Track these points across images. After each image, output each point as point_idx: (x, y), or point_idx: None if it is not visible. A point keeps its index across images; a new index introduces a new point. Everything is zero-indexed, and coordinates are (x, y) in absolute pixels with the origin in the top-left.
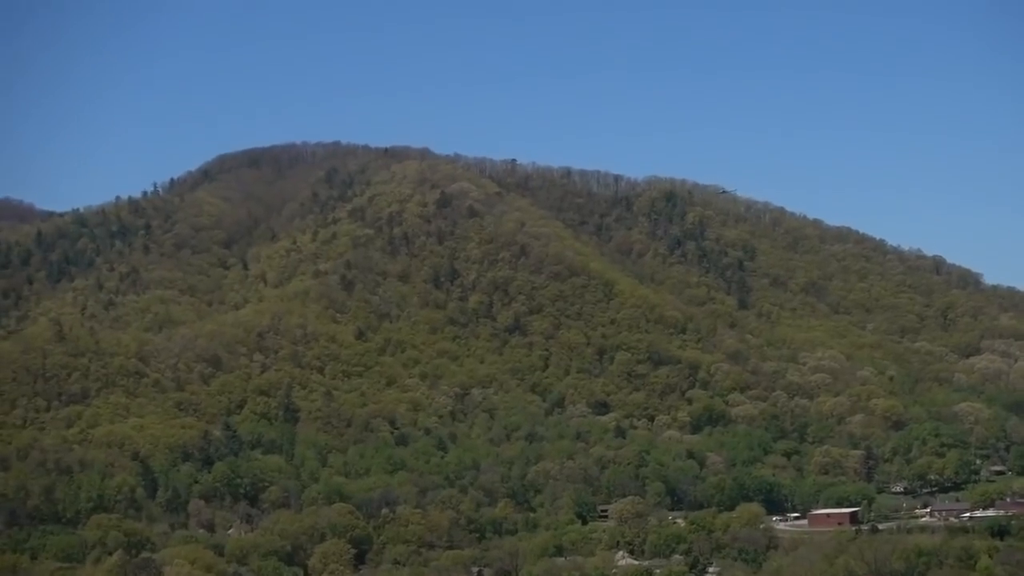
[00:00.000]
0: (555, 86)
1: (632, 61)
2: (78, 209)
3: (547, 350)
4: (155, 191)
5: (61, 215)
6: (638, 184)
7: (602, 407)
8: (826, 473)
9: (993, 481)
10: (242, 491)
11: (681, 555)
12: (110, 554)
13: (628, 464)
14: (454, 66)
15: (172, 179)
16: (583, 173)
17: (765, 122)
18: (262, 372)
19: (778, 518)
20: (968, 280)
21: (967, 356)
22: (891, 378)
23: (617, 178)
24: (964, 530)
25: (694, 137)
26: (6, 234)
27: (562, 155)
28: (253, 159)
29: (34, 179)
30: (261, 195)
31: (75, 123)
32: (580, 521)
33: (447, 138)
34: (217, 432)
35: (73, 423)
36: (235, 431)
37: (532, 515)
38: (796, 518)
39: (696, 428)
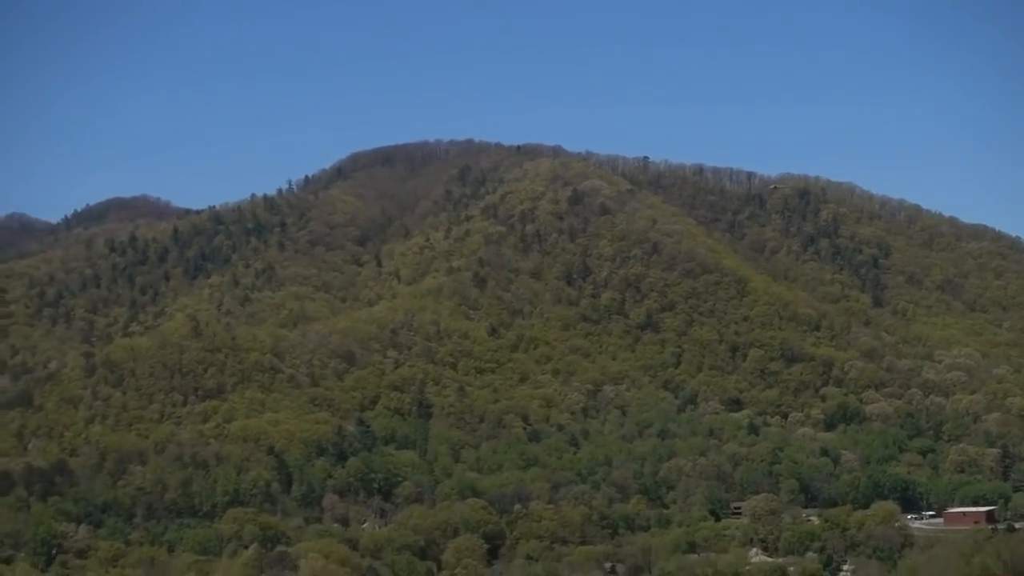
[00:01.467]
0: (687, 84)
1: (766, 60)
2: (214, 206)
3: (679, 347)
4: (290, 189)
5: (198, 212)
6: (771, 181)
7: (735, 404)
8: (962, 471)
9: None
10: (376, 486)
11: (815, 553)
12: (246, 547)
13: (761, 461)
14: (587, 64)
15: (307, 177)
16: (715, 170)
17: (899, 120)
18: (395, 368)
19: (913, 516)
20: None
21: None
22: None
23: (750, 175)
24: None
25: (827, 134)
26: (144, 231)
27: (695, 152)
28: (386, 157)
29: (171, 177)
30: (394, 193)
31: (212, 122)
32: (713, 518)
33: (579, 136)
34: (351, 427)
35: (209, 418)
36: (369, 426)
37: (665, 511)
38: (931, 516)
39: (830, 425)
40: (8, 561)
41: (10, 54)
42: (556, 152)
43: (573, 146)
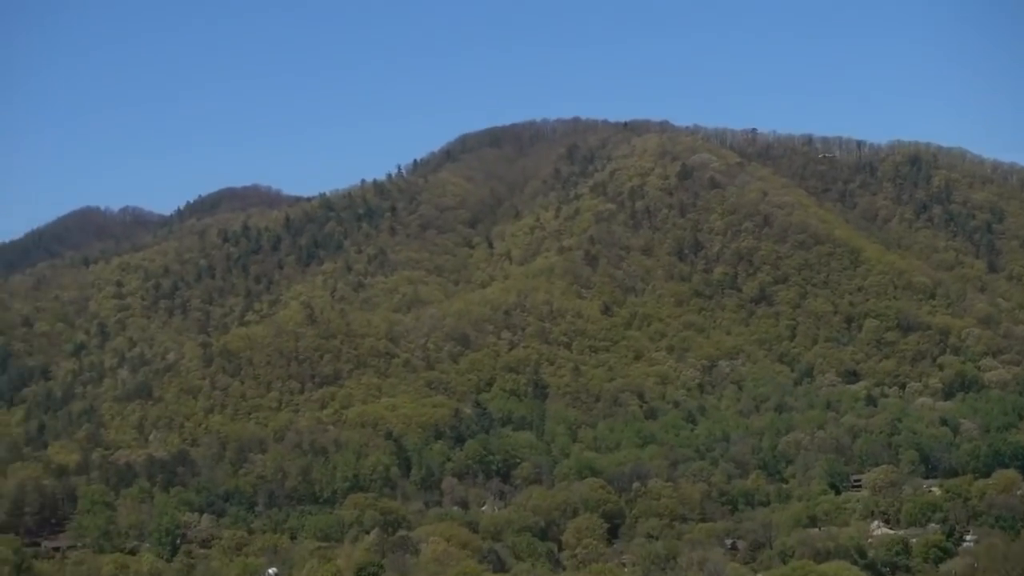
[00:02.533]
0: (793, 53)
1: (870, 26)
2: (325, 193)
3: (794, 320)
4: (399, 173)
5: (309, 200)
6: (881, 149)
7: (852, 376)
8: None
9: None
10: (494, 468)
11: (937, 524)
12: (367, 532)
13: (880, 433)
14: (692, 37)
15: (415, 160)
16: (825, 140)
17: (1011, 83)
18: (510, 349)
19: None
20: None
21: None
22: None
23: (860, 144)
24: None
25: (936, 100)
26: (256, 220)
27: (803, 122)
28: (495, 138)
29: (281, 165)
30: (503, 173)
31: (321, 110)
32: (833, 491)
33: (686, 110)
34: (468, 410)
35: (327, 404)
36: (485, 408)
37: (784, 486)
38: None
39: (948, 395)
40: (133, 552)
41: (131, 52)
42: (663, 127)
43: (680, 120)
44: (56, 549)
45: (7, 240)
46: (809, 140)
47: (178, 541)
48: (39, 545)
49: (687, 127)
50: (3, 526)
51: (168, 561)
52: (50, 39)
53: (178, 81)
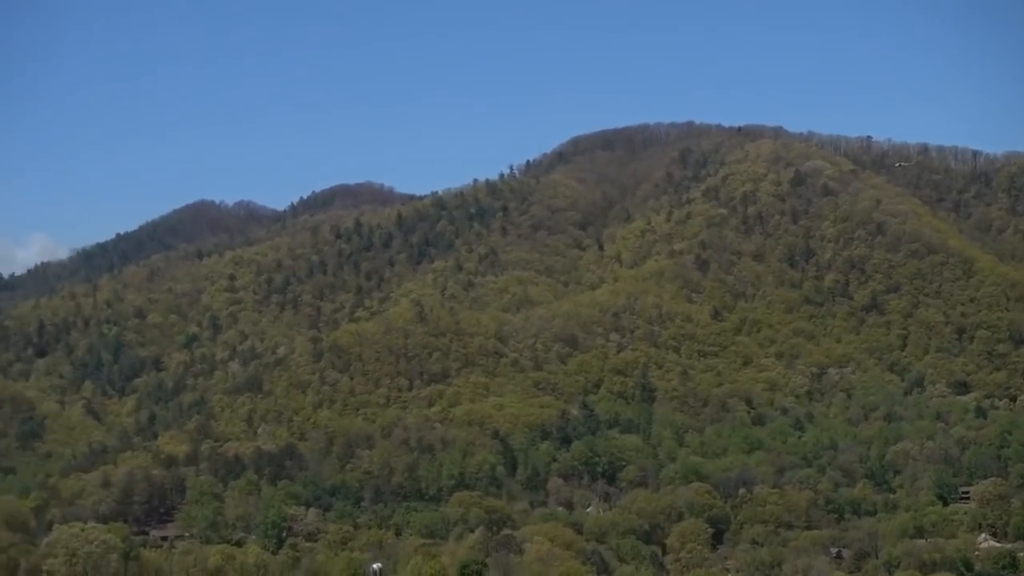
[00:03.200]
0: (909, 61)
1: (990, 36)
2: (437, 192)
3: (905, 329)
4: (512, 173)
5: (421, 198)
6: (997, 159)
7: (962, 387)
8: None
9: None
10: (600, 470)
11: None
12: (472, 531)
13: (989, 445)
14: (807, 44)
15: (528, 161)
16: (940, 149)
17: None
18: (618, 352)
19: None
20: None
21: None
22: None
23: (975, 154)
24: None
25: None
26: (368, 217)
27: (919, 132)
28: (607, 140)
29: (395, 163)
30: (615, 176)
31: (434, 108)
32: (940, 502)
33: (801, 116)
34: (575, 411)
35: (434, 402)
36: (592, 410)
37: (891, 496)
38: None
39: None
40: (240, 544)
41: (247, 49)
42: (777, 133)
43: (794, 127)
44: (164, 538)
45: (122, 232)
46: (924, 149)
47: (284, 534)
48: (147, 534)
49: (801, 133)
50: (113, 514)
51: (274, 553)
52: (168, 35)
53: (295, 78)
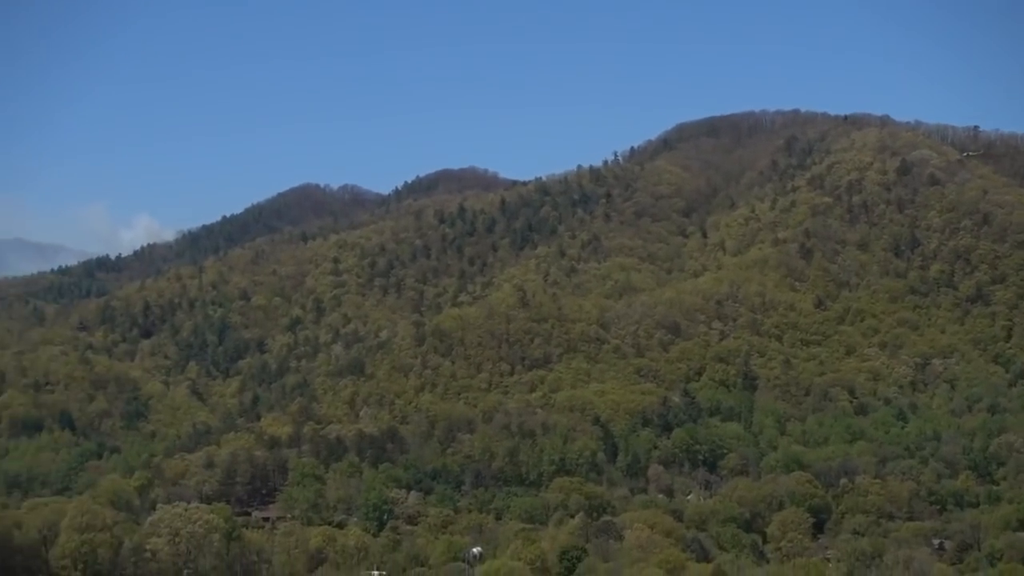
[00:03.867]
0: (1018, 50)
1: None
2: (541, 178)
3: (1010, 320)
4: (615, 160)
5: (524, 183)
6: None
7: None
8: None
9: None
10: (700, 457)
11: None
12: (572, 516)
13: None
14: (912, 32)
15: (632, 148)
16: None
17: None
18: (720, 340)
19: None
20: None
21: None
22: None
23: None
24: None
25: None
26: (472, 202)
27: None
28: (712, 127)
29: (499, 148)
30: (720, 163)
31: (539, 94)
32: None
33: (907, 105)
34: (676, 398)
35: (536, 387)
36: (693, 397)
37: (994, 488)
38: None
39: None
40: (340, 525)
41: (355, 36)
42: (884, 122)
43: (901, 115)
44: (266, 519)
45: (228, 215)
46: None
47: (385, 517)
48: (249, 515)
49: (907, 122)
50: (215, 495)
51: (374, 536)
52: (276, 22)
53: (401, 64)
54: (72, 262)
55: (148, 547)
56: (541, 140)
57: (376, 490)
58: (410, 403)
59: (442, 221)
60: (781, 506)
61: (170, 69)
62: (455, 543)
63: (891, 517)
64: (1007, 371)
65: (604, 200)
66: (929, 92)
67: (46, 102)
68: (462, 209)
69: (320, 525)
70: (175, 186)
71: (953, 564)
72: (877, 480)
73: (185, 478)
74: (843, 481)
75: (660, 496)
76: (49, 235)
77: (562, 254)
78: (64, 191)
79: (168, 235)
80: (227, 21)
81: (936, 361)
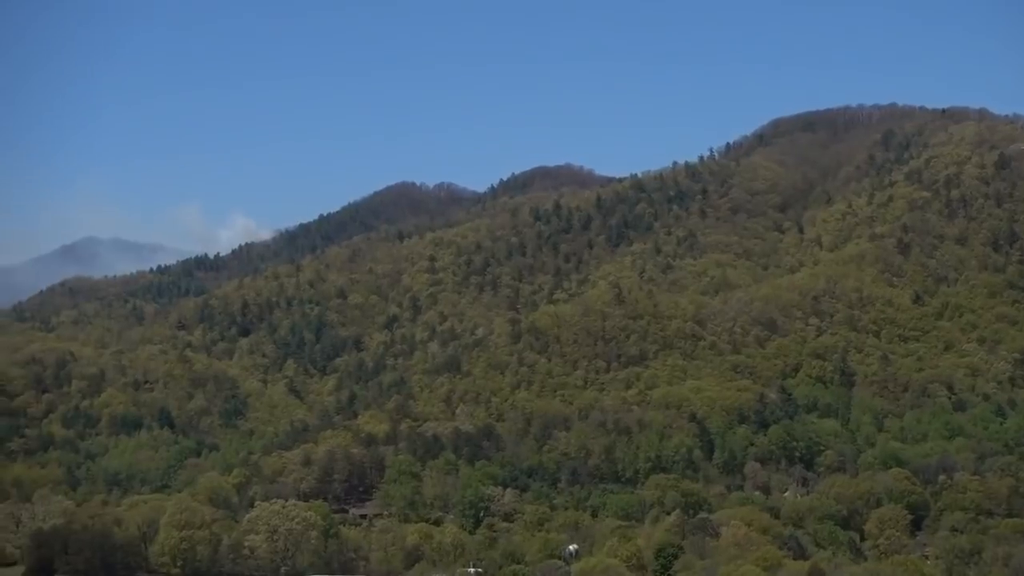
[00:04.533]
0: None
1: None
2: (636, 174)
3: None
4: (711, 156)
5: (620, 180)
6: None
7: None
8: None
9: None
10: (797, 454)
11: None
12: (668, 513)
13: None
14: (1009, 24)
15: (728, 144)
16: None
17: None
18: (817, 336)
19: None
20: None
21: None
22: None
23: None
24: None
25: None
26: (567, 199)
27: None
28: (808, 123)
29: (594, 145)
30: (816, 158)
31: (635, 91)
32: None
33: (1006, 98)
34: (772, 395)
35: (632, 384)
36: (790, 394)
37: None
38: None
39: None
40: (437, 523)
41: (451, 33)
42: (982, 115)
43: (1000, 108)
44: (363, 516)
45: (325, 213)
46: None
47: (481, 514)
48: (347, 512)
49: (1006, 116)
50: (313, 492)
51: (471, 533)
52: (374, 23)
53: (496, 62)
54: (170, 261)
55: (246, 544)
56: (637, 137)
57: (472, 487)
58: (506, 400)
59: (537, 218)
60: (879, 503)
61: (263, 69)
62: (551, 540)
63: (990, 514)
64: None
65: (700, 196)
66: None
67: (141, 102)
68: (557, 206)
69: (417, 522)
70: (270, 186)
71: None
72: (976, 477)
73: (283, 476)
74: (941, 478)
75: (757, 493)
76: (147, 235)
77: (658, 251)
78: (160, 191)
79: (264, 234)
80: (322, 19)
81: None
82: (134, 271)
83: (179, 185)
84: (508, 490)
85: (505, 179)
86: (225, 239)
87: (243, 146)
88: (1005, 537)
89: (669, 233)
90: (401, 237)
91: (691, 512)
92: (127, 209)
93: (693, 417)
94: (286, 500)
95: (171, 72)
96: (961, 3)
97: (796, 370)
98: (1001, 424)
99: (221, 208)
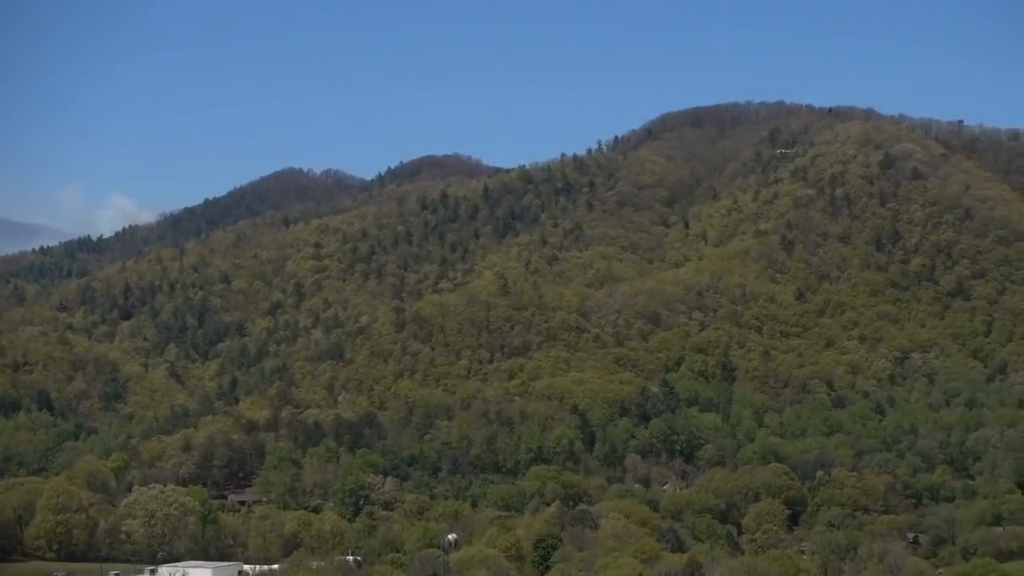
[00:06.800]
0: (1002, 45)
1: None
2: (524, 166)
3: (990, 315)
4: (599, 149)
5: (508, 171)
6: None
7: None
8: None
9: None
10: (678, 448)
11: None
12: (548, 504)
13: None
14: (899, 25)
15: (616, 137)
16: None
17: None
18: (700, 330)
19: None
20: None
21: None
22: None
23: None
24: None
25: None
26: (455, 189)
27: (1011, 117)
28: (696, 118)
29: (482, 135)
30: (703, 154)
31: (524, 83)
32: (1020, 490)
33: (892, 98)
34: (655, 388)
35: (515, 375)
36: (672, 388)
37: (970, 482)
38: None
39: None
40: (316, 510)
41: (339, 22)
42: (868, 115)
43: (885, 109)
44: (242, 503)
45: (211, 197)
46: (1016, 135)
47: (361, 502)
48: (226, 498)
49: (892, 116)
50: (192, 478)
51: (350, 521)
52: (260, 10)
53: (385, 48)
54: (52, 242)
55: (123, 529)
56: (525, 128)
57: (353, 475)
58: (389, 389)
59: (424, 207)
60: (757, 498)
61: (145, 45)
62: (431, 529)
63: (866, 510)
64: (985, 366)
65: (587, 189)
66: (914, 85)
67: (20, 79)
68: (444, 196)
69: (296, 509)
70: (154, 168)
71: (927, 558)
72: (853, 473)
73: (162, 460)
74: (819, 473)
75: (636, 486)
76: (28, 215)
77: (544, 242)
78: (41, 170)
79: (148, 217)
80: (210, 2)
81: (915, 355)
82: (15, 251)
83: (60, 165)
84: (388, 478)
85: (393, 167)
86: (105, 221)
87: (125, 126)
88: (881, 533)
89: (556, 225)
90: (287, 223)
91: (571, 503)
92: (7, 188)
93: (575, 409)
94: (164, 485)
95: (48, 49)
96: (849, 3)
97: (678, 364)
98: (879, 421)
99: (103, 189)
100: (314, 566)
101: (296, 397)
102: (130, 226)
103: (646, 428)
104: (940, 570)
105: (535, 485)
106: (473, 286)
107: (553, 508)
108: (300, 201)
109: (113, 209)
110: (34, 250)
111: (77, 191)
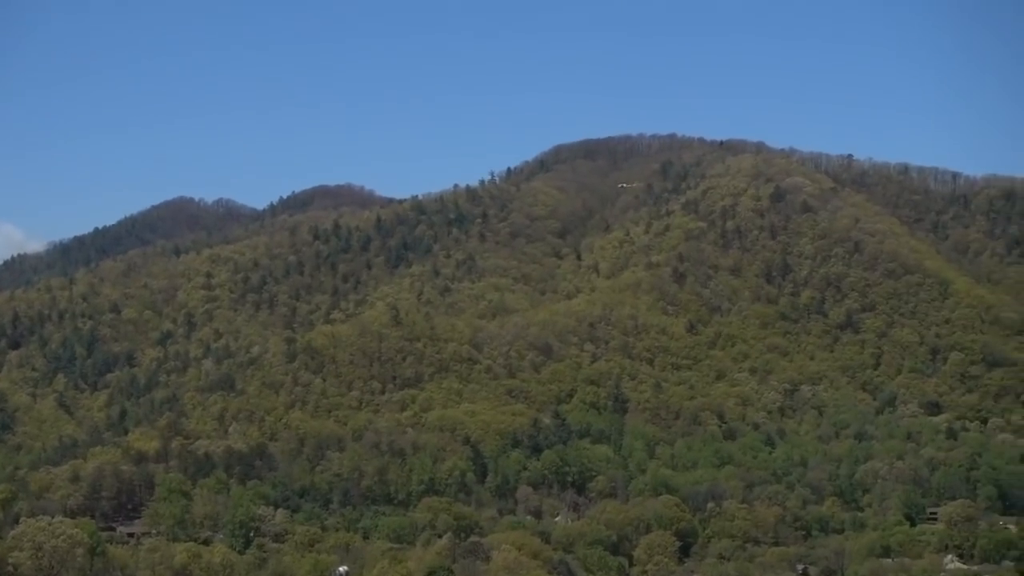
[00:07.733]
0: (891, 80)
1: (974, 59)
2: (416, 196)
3: (879, 348)
4: (492, 180)
5: (400, 202)
6: (976, 182)
7: (934, 407)
8: None
9: None
10: (570, 479)
11: (1011, 561)
12: (439, 536)
13: (959, 466)
14: (791, 59)
15: (509, 168)
16: (920, 170)
17: None
18: (592, 362)
19: None
20: None
21: None
22: None
23: (955, 175)
24: None
25: None
26: (347, 219)
27: (900, 151)
28: (589, 150)
29: (375, 166)
30: (596, 186)
31: (416, 114)
32: (908, 522)
33: (782, 132)
34: (547, 420)
35: (407, 406)
36: (564, 420)
37: (859, 514)
38: None
39: None
40: (207, 542)
41: (234, 50)
42: (759, 148)
43: (776, 142)
44: (131, 535)
45: (100, 226)
46: (905, 169)
47: (252, 534)
48: (114, 530)
49: (782, 149)
50: (81, 509)
51: (241, 553)
52: (149, 28)
53: (277, 77)
54: None
55: (10, 561)
56: (418, 159)
57: (243, 507)
58: (280, 420)
59: (316, 237)
60: (648, 529)
61: (29, 74)
62: (321, 562)
63: (757, 542)
64: (874, 398)
65: (479, 220)
66: (804, 119)
67: None
68: (337, 226)
69: (186, 541)
70: (41, 196)
71: None
72: (744, 505)
73: (50, 492)
74: (710, 505)
75: (528, 518)
76: None
77: (436, 273)
78: None
79: (34, 246)
80: (93, 25)
81: (805, 387)
82: None
83: None
84: (279, 510)
85: (285, 197)
86: None
87: (11, 153)
88: (771, 565)
89: (448, 256)
90: (178, 252)
91: (463, 535)
92: None
93: (467, 440)
94: (52, 517)
95: None
96: (739, 36)
97: (570, 395)
98: (770, 453)
99: None
100: None
101: (186, 428)
102: (18, 255)
103: (538, 460)
104: None
105: (427, 517)
106: (365, 317)
107: (445, 540)
108: (191, 230)
109: (1, 238)
110: None
111: None
